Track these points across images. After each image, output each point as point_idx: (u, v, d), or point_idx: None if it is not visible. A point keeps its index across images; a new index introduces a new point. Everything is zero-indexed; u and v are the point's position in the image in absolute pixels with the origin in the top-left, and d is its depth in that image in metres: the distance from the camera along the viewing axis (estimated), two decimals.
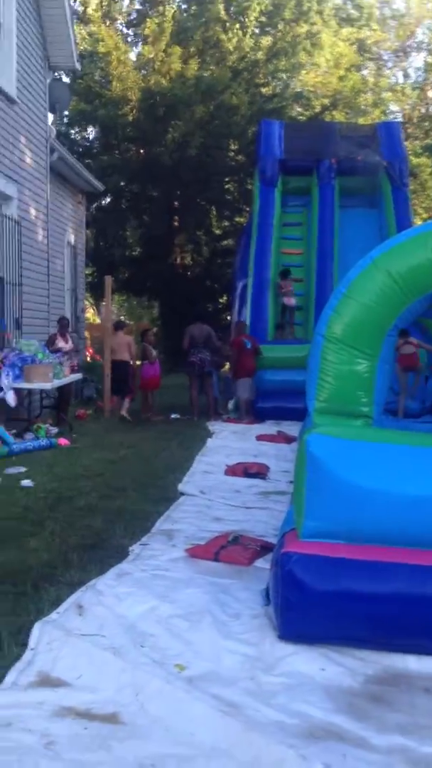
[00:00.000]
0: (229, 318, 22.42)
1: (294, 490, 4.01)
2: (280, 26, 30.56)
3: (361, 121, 28.35)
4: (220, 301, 26.22)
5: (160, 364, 14.15)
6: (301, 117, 25.90)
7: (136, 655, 3.56)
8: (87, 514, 6.51)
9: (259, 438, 10.91)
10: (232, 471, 8.54)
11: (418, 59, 36.14)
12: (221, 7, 29.87)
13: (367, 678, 3.44)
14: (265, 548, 5.41)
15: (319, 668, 3.50)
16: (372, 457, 3.67)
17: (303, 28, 30.64)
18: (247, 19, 30.00)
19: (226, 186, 25.61)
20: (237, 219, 25.93)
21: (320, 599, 3.59)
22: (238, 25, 29.38)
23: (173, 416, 13.35)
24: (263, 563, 5.11)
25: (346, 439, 3.78)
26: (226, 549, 5.33)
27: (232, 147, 24.99)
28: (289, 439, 10.71)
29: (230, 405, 13.68)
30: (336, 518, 3.65)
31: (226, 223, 26.87)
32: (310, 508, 3.70)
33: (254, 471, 8.43)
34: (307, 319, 14.98)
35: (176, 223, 26.23)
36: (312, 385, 4.66)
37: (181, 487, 7.68)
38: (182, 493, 7.44)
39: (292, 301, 14.99)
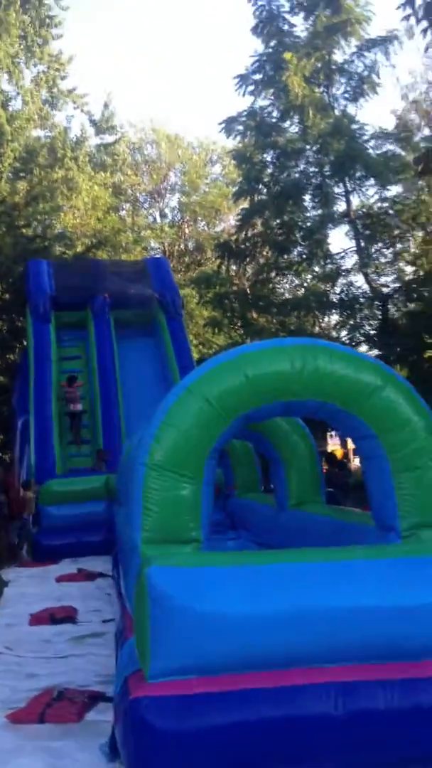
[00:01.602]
0: (9, 456, 21.55)
1: (136, 630, 3.75)
2: (36, 171, 31.64)
3: (124, 257, 29.67)
4: None
5: None
6: (65, 256, 26.46)
7: None
8: None
9: (60, 579, 10.30)
10: (37, 620, 7.92)
11: (173, 199, 38.89)
12: None
13: None
14: (93, 698, 5.01)
15: None
16: (216, 583, 3.55)
17: (59, 174, 31.95)
18: (1, 166, 30.77)
19: None
20: (9, 356, 25.45)
21: (180, 742, 3.32)
22: None
23: None
24: (95, 715, 4.72)
25: (185, 567, 3.63)
26: (51, 707, 4.86)
27: None
28: (91, 576, 10.23)
29: (25, 548, 12.87)
30: (185, 652, 3.45)
31: None
32: (157, 646, 3.46)
33: (62, 616, 7.88)
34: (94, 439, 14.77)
35: None
36: (136, 515, 4.53)
37: None
38: None
39: (78, 406, 15.19)
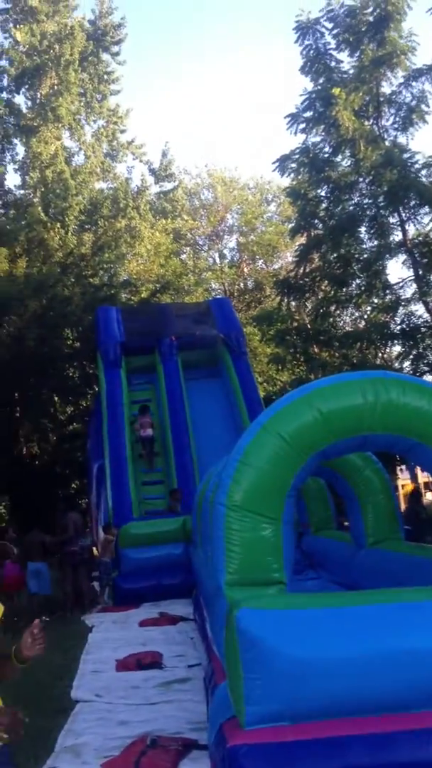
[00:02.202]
0: (85, 502, 21.89)
1: (228, 675, 3.75)
2: (100, 222, 32.59)
3: (186, 300, 30.11)
4: (73, 486, 25.66)
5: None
6: (131, 302, 27.05)
7: None
8: None
9: (143, 624, 10.35)
10: (123, 665, 7.96)
11: (231, 240, 39.42)
12: (39, 209, 31.62)
13: None
14: (187, 746, 4.99)
15: None
16: (307, 625, 3.51)
17: (121, 223, 32.84)
18: (67, 219, 31.83)
19: (67, 372, 25.84)
20: (82, 402, 26.00)
21: None
22: (59, 225, 31.04)
23: (44, 618, 12.37)
24: (189, 763, 4.70)
25: (275, 609, 3.61)
26: (145, 755, 4.86)
27: (69, 335, 25.50)
28: (173, 620, 10.24)
29: (106, 593, 12.97)
30: (280, 698, 3.42)
31: (71, 408, 26.87)
32: (251, 692, 3.45)
33: (148, 661, 7.91)
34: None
35: (18, 414, 25.86)
36: (219, 557, 4.54)
37: (73, 693, 7.03)
38: (77, 701, 6.79)
39: (149, 431, 15.46)
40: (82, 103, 36.31)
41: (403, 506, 18.83)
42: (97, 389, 20.41)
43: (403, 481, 31.53)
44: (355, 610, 3.58)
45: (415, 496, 14.28)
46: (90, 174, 35.37)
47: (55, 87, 34.56)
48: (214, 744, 3.76)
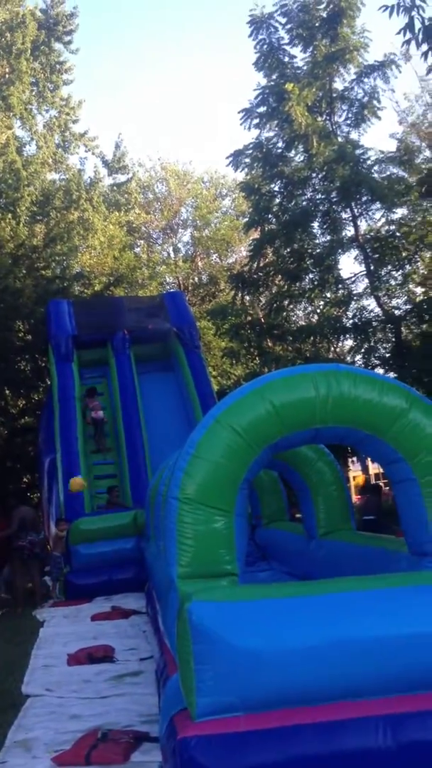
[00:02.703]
0: (37, 497, 21.66)
1: (180, 667, 3.75)
2: (53, 214, 32.19)
3: (140, 293, 29.96)
4: (24, 480, 25.33)
5: None
6: (84, 294, 26.78)
7: None
8: None
9: (95, 618, 10.29)
10: (75, 659, 7.91)
11: (185, 234, 39.34)
12: None
13: None
14: (138, 738, 4.99)
15: None
16: (259, 617, 3.53)
17: (74, 215, 32.48)
18: (18, 209, 31.35)
19: (18, 365, 25.48)
20: (33, 396, 25.67)
21: None
22: (10, 215, 30.57)
23: None
24: (141, 755, 4.70)
25: (227, 601, 3.62)
26: (96, 749, 4.84)
27: (21, 328, 25.13)
28: (126, 614, 10.21)
29: (57, 588, 12.86)
30: (232, 689, 3.43)
31: (22, 402, 26.50)
32: (202, 684, 3.45)
33: (100, 655, 7.87)
34: (123, 490, 14.80)
35: None
36: (171, 550, 4.54)
37: (24, 688, 6.96)
38: (27, 695, 6.73)
39: (100, 413, 15.77)
40: (33, 93, 35.77)
41: (354, 498, 19.12)
42: (48, 382, 20.19)
43: (354, 473, 31.95)
44: (306, 600, 3.61)
45: (376, 489, 14.70)
46: (42, 164, 34.86)
47: (7, 76, 33.98)
48: (165, 736, 3.76)
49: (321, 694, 3.47)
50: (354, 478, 31.24)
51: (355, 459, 26.20)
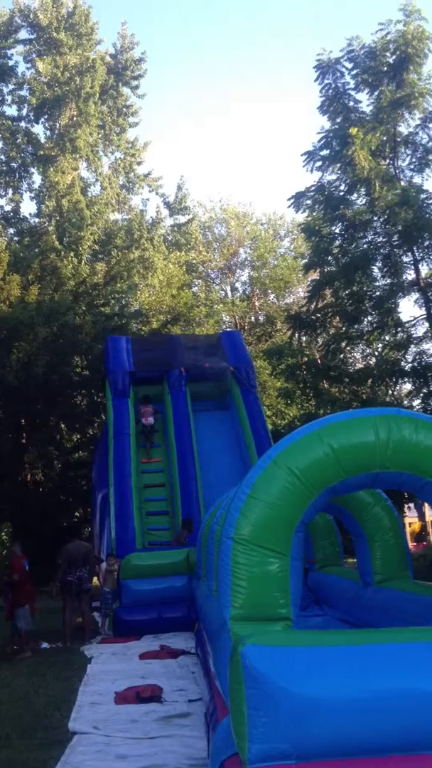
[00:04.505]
0: (88, 530, 21.76)
1: (232, 712, 3.67)
2: (114, 253, 32.90)
3: (197, 331, 30.22)
4: (76, 514, 25.54)
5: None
6: (141, 332, 27.17)
7: None
8: None
9: (143, 656, 10.20)
10: (122, 698, 7.82)
11: (243, 274, 39.72)
12: (54, 237, 31.97)
13: None
14: None
15: None
16: (313, 663, 3.44)
17: (135, 254, 33.13)
18: (80, 248, 32.15)
19: (75, 400, 25.86)
20: (88, 431, 25.98)
21: None
22: (72, 254, 31.35)
23: (43, 646, 12.21)
24: None
25: (281, 646, 3.54)
26: None
27: (78, 363, 25.56)
28: (174, 654, 10.10)
29: (107, 624, 12.81)
30: (284, 737, 3.34)
31: (77, 436, 26.84)
32: (255, 730, 3.37)
33: (147, 695, 7.76)
34: (173, 517, 14.75)
35: (24, 440, 25.85)
36: (224, 591, 4.48)
37: (71, 724, 6.90)
38: (74, 732, 6.67)
39: (150, 419, 16.37)
40: (100, 135, 36.86)
41: (410, 545, 18.67)
42: (104, 418, 20.40)
43: (410, 519, 31.31)
44: (362, 648, 3.52)
45: None
46: (105, 205, 35.78)
47: (74, 118, 35.12)
48: None
49: (374, 745, 3.35)
50: (410, 524, 30.59)
51: (411, 505, 25.70)
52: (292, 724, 3.34)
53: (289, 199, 21.80)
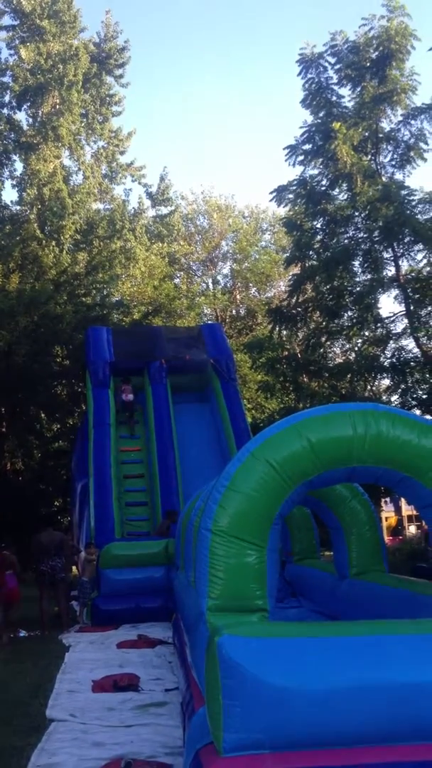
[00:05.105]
0: (68, 520, 21.76)
1: (207, 701, 3.74)
2: (96, 243, 32.78)
3: (178, 323, 30.24)
4: (56, 503, 25.54)
5: None
6: (122, 322, 27.15)
7: None
8: None
9: (120, 645, 10.26)
10: (100, 686, 7.88)
11: (224, 267, 39.76)
12: (35, 226, 31.78)
13: None
14: None
15: None
16: (290, 654, 3.50)
17: (117, 244, 33.04)
18: (62, 237, 31.98)
19: (55, 389, 25.82)
20: (69, 420, 25.96)
21: None
22: (54, 243, 31.20)
23: (21, 634, 12.26)
24: None
25: (257, 637, 3.59)
26: None
27: (59, 353, 25.51)
28: (152, 643, 10.18)
29: (85, 613, 12.86)
30: (259, 726, 3.39)
31: (57, 426, 26.81)
32: (230, 719, 3.41)
33: (125, 683, 7.83)
34: (153, 509, 14.83)
35: (3, 429, 25.79)
36: (202, 582, 4.55)
37: (48, 712, 6.96)
38: (51, 719, 6.73)
39: (130, 396, 16.77)
40: (83, 124, 36.66)
41: (386, 539, 18.89)
42: (84, 408, 20.41)
43: (387, 514, 31.62)
44: (338, 640, 3.58)
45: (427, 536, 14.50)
46: (87, 194, 35.60)
47: (57, 106, 34.88)
48: None
49: (349, 736, 3.42)
50: (387, 518, 30.90)
51: (388, 499, 25.95)
52: (266, 714, 3.40)
53: (271, 193, 21.87)
